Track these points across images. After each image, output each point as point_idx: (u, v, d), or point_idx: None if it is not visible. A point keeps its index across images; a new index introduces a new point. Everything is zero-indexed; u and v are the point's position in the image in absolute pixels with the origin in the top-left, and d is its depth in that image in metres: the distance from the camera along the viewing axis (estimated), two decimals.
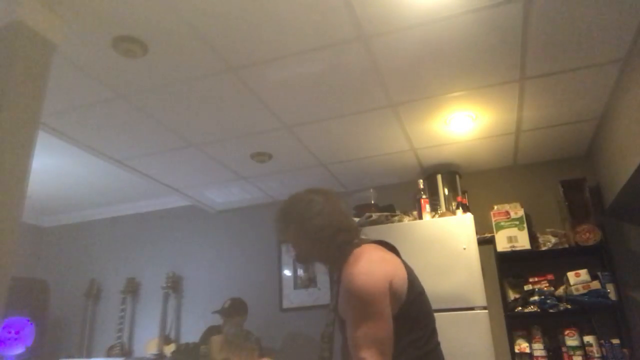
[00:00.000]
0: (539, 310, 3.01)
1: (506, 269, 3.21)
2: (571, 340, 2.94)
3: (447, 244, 2.91)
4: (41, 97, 1.80)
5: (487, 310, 2.75)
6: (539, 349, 2.98)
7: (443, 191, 3.41)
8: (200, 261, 4.30)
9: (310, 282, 3.94)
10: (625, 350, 2.81)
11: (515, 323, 3.11)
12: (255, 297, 3.99)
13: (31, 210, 4.59)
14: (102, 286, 4.51)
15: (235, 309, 3.41)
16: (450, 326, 2.69)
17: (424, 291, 1.45)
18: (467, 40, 2.13)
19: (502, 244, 3.18)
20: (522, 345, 3.02)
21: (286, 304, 3.94)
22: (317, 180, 3.81)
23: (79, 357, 4.18)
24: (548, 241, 3.15)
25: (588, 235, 3.00)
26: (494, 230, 3.23)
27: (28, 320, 3.72)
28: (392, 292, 1.32)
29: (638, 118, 2.29)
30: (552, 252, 3.14)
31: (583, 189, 3.13)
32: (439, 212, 3.26)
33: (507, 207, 3.31)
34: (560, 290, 3.03)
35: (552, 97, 2.66)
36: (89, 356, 4.20)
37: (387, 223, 3.17)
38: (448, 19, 1.99)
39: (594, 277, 2.96)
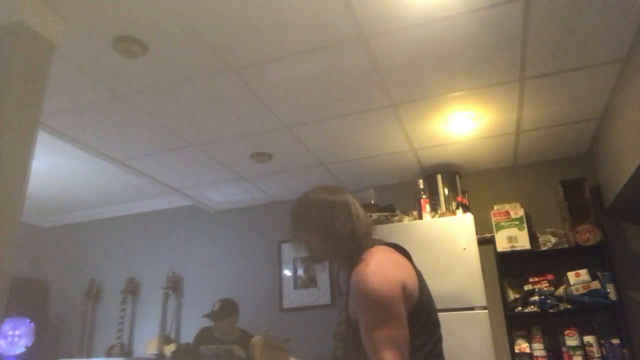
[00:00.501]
0: (539, 310, 3.01)
1: (506, 269, 3.21)
2: (571, 340, 2.94)
3: (447, 244, 2.91)
4: (41, 97, 1.80)
5: (487, 310, 2.75)
6: (539, 349, 2.98)
7: (443, 191, 3.41)
8: (200, 261, 4.30)
9: (310, 282, 3.94)
10: (625, 350, 2.81)
11: (515, 323, 3.11)
12: (255, 297, 3.99)
13: (31, 210, 4.59)
14: (102, 286, 4.51)
15: (226, 310, 3.36)
16: (450, 326, 2.69)
17: (432, 297, 1.44)
18: (467, 40, 2.13)
19: (502, 244, 3.18)
20: (522, 345, 3.02)
21: (286, 304, 3.94)
22: (317, 180, 3.81)
23: (79, 357, 4.18)
24: (548, 241, 3.15)
25: (588, 235, 3.00)
26: (494, 230, 3.23)
27: (28, 320, 3.72)
28: (405, 295, 1.30)
29: (638, 118, 2.29)
30: (552, 252, 3.14)
31: (583, 189, 3.13)
32: (439, 212, 3.26)
33: (507, 207, 3.31)
34: (560, 290, 3.03)
35: (552, 97, 2.66)
36: (89, 356, 4.20)
37: (387, 223, 3.17)
38: (448, 19, 1.99)
39: (594, 277, 2.96)
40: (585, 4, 1.92)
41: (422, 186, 3.32)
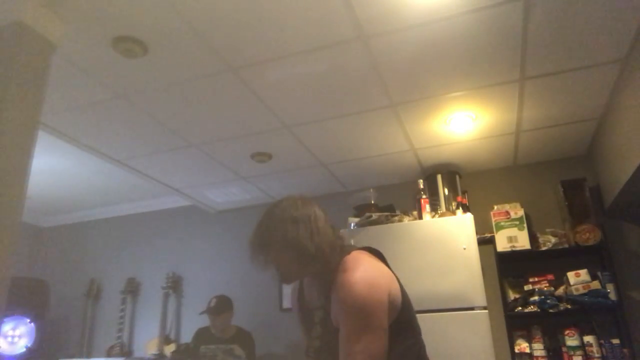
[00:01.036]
0: (539, 310, 3.01)
1: (506, 269, 3.21)
2: (571, 340, 2.94)
3: (447, 244, 2.91)
4: (41, 97, 1.81)
5: (487, 310, 2.75)
6: (539, 349, 2.98)
7: (443, 191, 3.41)
8: (200, 261, 4.30)
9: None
10: (625, 350, 2.81)
11: (515, 323, 3.11)
12: (255, 297, 3.99)
13: (31, 210, 4.59)
14: (102, 286, 4.51)
15: (222, 305, 3.41)
16: (450, 326, 2.70)
17: (411, 302, 1.44)
18: (467, 40, 2.13)
19: (502, 244, 3.18)
20: (522, 345, 3.02)
21: (286, 304, 3.94)
22: (317, 180, 3.81)
23: (79, 357, 4.18)
24: (548, 241, 3.15)
25: (588, 235, 3.00)
26: (494, 230, 3.23)
27: (28, 320, 3.72)
28: (390, 302, 1.30)
29: (638, 118, 2.29)
30: (552, 252, 3.14)
31: (583, 189, 3.13)
32: (439, 212, 3.26)
33: (507, 207, 3.31)
34: (560, 290, 3.03)
35: (552, 97, 2.66)
36: (89, 356, 4.20)
37: (387, 223, 3.17)
38: (448, 19, 1.99)
39: (594, 277, 2.96)
40: (585, 4, 1.92)
41: (422, 186, 3.32)
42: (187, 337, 3.87)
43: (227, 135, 3.00)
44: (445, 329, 2.70)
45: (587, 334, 2.93)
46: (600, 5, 1.92)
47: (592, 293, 2.90)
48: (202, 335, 3.46)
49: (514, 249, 3.14)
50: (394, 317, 1.32)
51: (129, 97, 2.52)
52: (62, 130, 2.83)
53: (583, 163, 3.43)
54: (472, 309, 2.75)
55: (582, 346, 2.91)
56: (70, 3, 1.82)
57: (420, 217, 3.20)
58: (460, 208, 3.20)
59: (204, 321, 3.58)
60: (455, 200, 3.33)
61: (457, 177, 3.51)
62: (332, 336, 1.32)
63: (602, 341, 2.88)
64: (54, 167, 3.62)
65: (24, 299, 3.74)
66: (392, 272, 1.42)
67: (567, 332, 2.97)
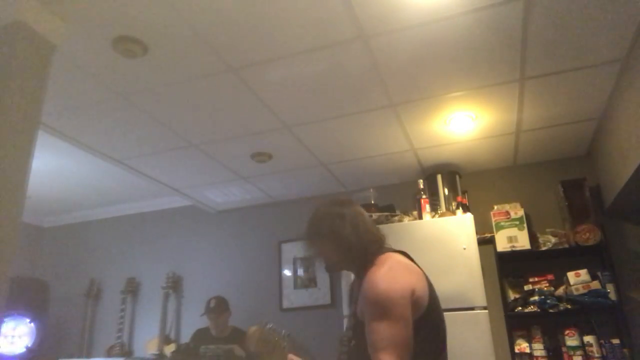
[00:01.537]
0: (539, 310, 3.01)
1: (506, 269, 3.21)
2: (571, 340, 2.94)
3: (447, 244, 2.91)
4: (41, 97, 1.81)
5: (487, 310, 2.75)
6: (539, 349, 2.98)
7: (443, 191, 3.41)
8: (200, 261, 4.30)
9: (310, 282, 3.94)
10: (625, 350, 2.81)
11: (515, 323, 3.11)
12: (255, 297, 3.99)
13: (31, 210, 4.58)
14: (102, 286, 4.51)
15: (222, 306, 3.49)
16: (450, 326, 2.67)
17: (441, 307, 1.48)
18: (467, 40, 2.13)
19: (502, 244, 3.18)
20: (522, 345, 3.02)
21: (286, 304, 3.94)
22: (317, 180, 3.81)
23: (79, 357, 4.18)
24: (548, 241, 3.15)
25: (588, 235, 3.00)
26: (494, 230, 3.23)
27: (28, 320, 3.72)
28: (414, 300, 1.34)
29: (638, 118, 2.29)
30: (552, 252, 3.14)
31: (583, 189, 3.13)
32: (439, 212, 3.26)
33: (507, 207, 3.31)
34: (560, 290, 3.03)
35: (552, 97, 2.66)
36: (89, 356, 4.20)
37: (387, 223, 3.17)
38: (448, 19, 1.99)
39: (594, 277, 2.96)
40: (586, 4, 1.92)
41: (422, 186, 3.32)
42: (187, 337, 3.87)
43: (227, 135, 3.00)
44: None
45: (587, 334, 2.93)
46: (600, 5, 1.92)
47: (592, 293, 2.90)
48: (200, 336, 3.48)
49: (514, 249, 3.14)
50: (418, 315, 1.35)
51: (129, 97, 2.51)
52: (62, 130, 2.83)
53: (583, 163, 3.43)
54: (472, 309, 2.75)
55: (582, 346, 2.91)
56: (70, 3, 1.82)
57: (420, 217, 3.20)
58: (460, 208, 3.20)
59: (205, 322, 3.59)
60: (455, 200, 3.33)
61: (457, 177, 3.51)
62: (359, 328, 1.39)
63: (602, 341, 2.88)
64: (54, 167, 3.62)
65: (24, 299, 3.74)
66: (427, 277, 1.48)
67: (567, 332, 2.97)
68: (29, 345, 3.65)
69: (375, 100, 2.63)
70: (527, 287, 3.12)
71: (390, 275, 1.36)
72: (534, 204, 3.42)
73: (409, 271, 1.42)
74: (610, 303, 2.89)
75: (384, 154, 3.38)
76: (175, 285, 4.21)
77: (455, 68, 2.35)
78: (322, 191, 4.05)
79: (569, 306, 2.96)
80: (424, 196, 3.27)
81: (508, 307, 3.10)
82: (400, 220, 3.21)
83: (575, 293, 2.93)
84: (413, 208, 3.35)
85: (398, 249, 1.53)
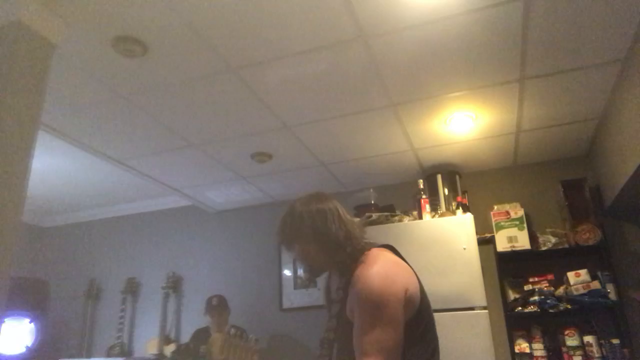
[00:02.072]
0: (539, 310, 3.01)
1: (506, 269, 3.21)
2: (571, 340, 2.94)
3: (447, 244, 2.91)
4: (41, 97, 1.80)
5: (487, 310, 2.75)
6: (539, 349, 2.98)
7: (443, 191, 3.40)
8: (200, 261, 4.30)
9: (310, 282, 3.94)
10: (625, 350, 2.81)
11: (515, 323, 3.11)
12: (255, 297, 3.99)
13: (31, 210, 4.59)
14: (102, 286, 4.51)
15: (225, 304, 3.53)
16: (450, 326, 2.69)
17: (430, 306, 1.41)
18: (467, 40, 2.13)
19: (502, 244, 3.18)
20: (522, 345, 3.02)
21: (286, 304, 3.94)
22: (317, 180, 3.81)
23: (79, 357, 4.18)
24: (548, 241, 3.15)
25: (588, 235, 3.00)
26: (494, 230, 3.23)
27: (28, 320, 3.72)
28: (407, 299, 1.28)
29: (638, 118, 2.29)
30: (552, 252, 3.14)
31: (583, 189, 3.12)
32: (439, 212, 3.25)
33: (507, 207, 3.31)
34: (560, 290, 3.03)
35: (552, 97, 2.66)
36: (89, 356, 4.20)
37: (387, 223, 3.17)
38: (448, 19, 1.99)
39: (594, 277, 2.96)
40: (586, 4, 1.92)
41: (422, 186, 3.32)
42: (187, 337, 3.87)
43: (227, 135, 3.00)
44: (445, 329, 2.68)
45: (587, 334, 2.93)
46: (600, 5, 1.92)
47: (592, 293, 2.90)
48: (200, 336, 3.48)
49: (514, 249, 3.14)
50: (410, 315, 1.30)
51: (129, 97, 2.52)
52: (62, 130, 2.83)
53: (583, 163, 3.43)
54: (472, 309, 2.75)
55: (582, 346, 2.91)
56: (70, 3, 1.82)
57: (420, 217, 3.20)
58: (460, 208, 3.20)
59: (204, 322, 3.59)
60: (455, 200, 3.33)
61: (457, 177, 3.51)
62: (345, 330, 1.31)
63: (602, 341, 2.88)
64: (54, 167, 3.62)
65: (24, 299, 3.74)
66: (414, 271, 1.40)
67: (567, 332, 2.97)
68: (29, 345, 3.65)
69: (375, 100, 2.63)
70: (527, 287, 3.12)
71: (383, 274, 1.28)
72: (534, 204, 3.42)
73: (401, 269, 1.35)
74: (610, 303, 2.89)
75: (384, 154, 3.38)
76: (175, 285, 4.21)
77: (455, 68, 2.35)
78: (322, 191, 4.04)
79: (569, 306, 2.96)
80: (424, 196, 3.26)
81: (508, 307, 3.10)
82: (400, 220, 3.21)
83: (575, 293, 2.93)
84: (413, 208, 3.35)
85: (378, 243, 1.45)
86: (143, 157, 3.28)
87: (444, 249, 2.90)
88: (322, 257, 1.41)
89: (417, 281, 1.37)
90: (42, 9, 1.80)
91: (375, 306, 1.23)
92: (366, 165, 3.57)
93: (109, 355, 4.06)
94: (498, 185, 3.61)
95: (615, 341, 2.84)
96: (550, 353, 2.99)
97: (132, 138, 2.99)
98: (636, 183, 2.50)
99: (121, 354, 4.04)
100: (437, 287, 2.74)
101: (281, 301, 3.95)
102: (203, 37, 2.04)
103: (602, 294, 2.89)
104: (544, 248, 3.14)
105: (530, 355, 2.99)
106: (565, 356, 2.94)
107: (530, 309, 3.04)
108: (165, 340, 3.96)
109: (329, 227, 1.37)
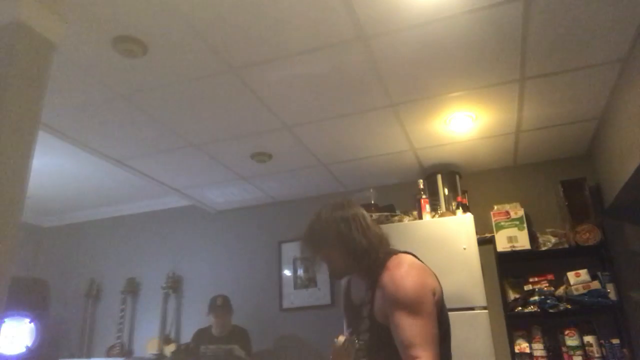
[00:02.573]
0: (539, 310, 3.01)
1: (506, 269, 3.21)
2: (571, 340, 2.94)
3: (447, 244, 2.91)
4: (41, 97, 1.80)
5: (487, 310, 2.75)
6: (539, 349, 2.98)
7: (443, 191, 3.41)
8: (200, 261, 4.30)
9: (310, 282, 3.94)
10: (625, 350, 2.81)
11: (515, 323, 3.11)
12: (255, 297, 3.99)
13: (31, 210, 4.58)
14: (102, 286, 4.51)
15: (228, 305, 3.52)
16: (450, 326, 2.69)
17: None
18: (467, 40, 2.13)
19: (502, 244, 3.18)
20: (522, 345, 3.02)
21: (286, 304, 3.94)
22: (317, 180, 3.81)
23: (79, 357, 4.18)
24: (548, 241, 3.15)
25: (588, 235, 3.00)
26: (494, 230, 3.23)
27: (28, 320, 3.72)
28: (435, 301, 1.37)
29: (638, 118, 2.29)
30: (552, 252, 3.14)
31: (583, 189, 3.12)
32: (439, 212, 3.25)
33: (507, 207, 3.31)
34: (560, 290, 3.03)
35: (552, 97, 2.66)
36: (89, 356, 4.20)
37: (387, 223, 3.16)
38: (448, 19, 1.99)
39: (594, 277, 2.96)
40: (586, 4, 1.92)
41: (422, 186, 3.32)
42: (187, 337, 3.87)
43: (227, 135, 3.00)
44: None
45: (587, 334, 2.93)
46: (601, 5, 1.92)
47: (592, 293, 2.90)
48: (201, 336, 3.48)
49: (514, 249, 3.14)
50: (436, 315, 1.37)
51: (129, 97, 2.51)
52: (62, 130, 2.83)
53: (583, 163, 3.43)
54: (472, 309, 2.75)
55: (582, 346, 2.91)
56: (70, 3, 1.82)
57: (420, 217, 3.20)
58: (460, 208, 3.20)
59: (205, 321, 3.59)
60: (455, 200, 3.33)
61: (457, 177, 3.51)
62: (378, 330, 1.39)
63: (602, 341, 2.88)
64: (54, 167, 3.62)
65: (24, 299, 3.74)
66: (436, 276, 1.48)
67: (567, 332, 2.97)
68: (29, 345, 3.65)
69: (375, 100, 2.63)
70: (527, 287, 3.12)
71: (414, 274, 1.37)
72: (534, 204, 3.42)
73: (427, 272, 1.43)
74: (610, 303, 2.89)
75: (384, 154, 3.38)
76: (175, 285, 4.21)
77: (456, 68, 2.35)
78: (322, 191, 4.05)
79: (569, 306, 2.96)
80: (424, 196, 3.26)
81: (508, 307, 3.10)
82: (400, 220, 3.21)
83: (575, 293, 2.93)
84: (413, 208, 3.35)
85: (401, 249, 1.53)
86: (143, 157, 3.28)
87: (444, 249, 2.90)
88: (346, 261, 1.47)
89: (440, 285, 1.45)
90: (42, 9, 1.80)
91: (414, 303, 1.32)
92: (366, 165, 3.57)
93: (108, 355, 4.06)
94: (498, 185, 3.61)
95: (615, 341, 2.84)
96: (550, 353, 2.99)
97: (132, 138, 2.99)
98: (636, 183, 2.50)
99: (121, 354, 4.04)
100: None
101: (281, 301, 3.95)
102: (203, 37, 2.04)
103: (602, 294, 2.89)
104: (544, 248, 3.14)
105: (530, 355, 2.99)
106: (565, 356, 2.94)
107: (530, 309, 3.04)
108: (165, 340, 3.96)
109: (353, 234, 1.44)
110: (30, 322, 3.71)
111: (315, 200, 4.13)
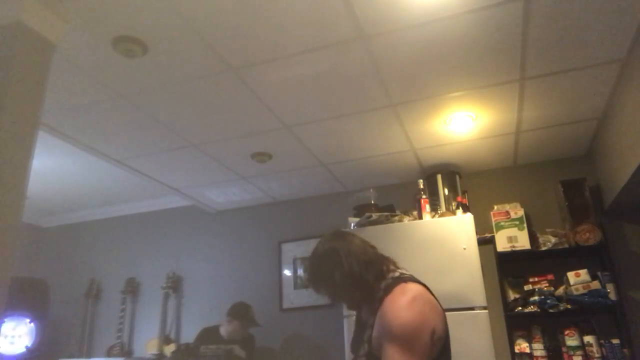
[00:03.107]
0: (539, 310, 3.01)
1: (506, 269, 3.21)
2: (571, 340, 2.94)
3: (447, 244, 2.91)
4: (41, 97, 1.80)
5: (487, 310, 2.74)
6: (539, 349, 2.98)
7: (443, 191, 3.40)
8: (200, 261, 4.30)
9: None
10: (625, 350, 2.81)
11: (515, 323, 3.11)
12: (255, 297, 3.98)
13: (31, 210, 4.58)
14: (102, 286, 4.51)
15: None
16: (450, 326, 2.69)
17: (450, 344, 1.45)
18: (467, 40, 2.13)
19: (502, 244, 3.18)
20: (522, 345, 3.02)
21: (286, 304, 3.94)
22: (317, 180, 3.81)
23: (79, 357, 4.18)
24: (548, 241, 3.15)
25: (588, 235, 3.00)
26: (494, 230, 3.23)
27: (28, 320, 3.72)
28: (433, 342, 1.32)
29: (638, 118, 2.29)
30: (552, 252, 3.14)
31: (583, 189, 3.12)
32: (439, 212, 3.25)
33: (507, 207, 3.31)
34: (560, 290, 3.03)
35: (552, 97, 2.66)
36: (89, 356, 4.20)
37: (387, 223, 3.16)
38: (448, 19, 1.99)
39: (594, 277, 2.96)
40: (585, 4, 1.92)
41: (422, 186, 3.32)
42: (187, 337, 3.88)
43: (227, 135, 3.00)
44: None
45: (587, 334, 2.93)
46: (600, 5, 1.92)
47: (592, 293, 2.90)
48: (207, 335, 3.45)
49: (514, 249, 3.14)
50: (435, 354, 1.34)
51: (129, 97, 2.52)
52: (62, 130, 2.83)
53: (583, 163, 3.43)
54: (472, 309, 2.75)
55: (582, 346, 2.91)
56: (70, 3, 1.82)
57: (420, 217, 3.20)
58: (460, 208, 3.20)
59: (205, 321, 3.59)
60: (455, 200, 3.33)
61: (457, 177, 3.51)
62: (374, 358, 1.36)
63: (602, 341, 2.88)
64: (54, 167, 3.62)
65: (24, 299, 3.74)
66: (442, 307, 1.44)
67: (567, 332, 2.97)
68: (29, 345, 3.65)
69: (375, 100, 2.63)
70: (527, 287, 3.12)
71: (416, 307, 1.33)
72: (534, 204, 3.42)
73: (432, 308, 1.38)
74: (610, 303, 2.89)
75: (384, 154, 3.38)
76: (175, 285, 4.21)
77: (455, 68, 2.35)
78: (322, 191, 4.05)
79: (568, 306, 2.96)
80: (424, 196, 3.26)
81: (508, 307, 3.10)
82: (400, 220, 3.21)
83: (575, 293, 2.93)
84: (413, 208, 3.35)
85: (411, 276, 1.48)
86: (143, 157, 3.28)
87: (444, 249, 2.90)
88: (346, 291, 1.47)
89: (444, 319, 1.41)
90: (42, 9, 1.80)
91: (408, 338, 1.28)
92: (366, 165, 3.57)
93: (108, 355, 4.06)
94: (498, 185, 3.61)
95: (615, 341, 2.84)
96: (550, 353, 2.99)
97: (132, 138, 2.99)
98: (636, 183, 2.50)
99: (121, 354, 4.04)
100: (437, 287, 2.71)
101: (281, 301, 3.95)
102: (203, 37, 2.04)
103: (602, 294, 2.89)
104: (544, 248, 3.13)
105: (530, 355, 2.99)
106: (565, 356, 2.94)
107: (530, 309, 3.04)
108: (165, 340, 3.96)
109: (345, 265, 1.43)
110: (30, 322, 3.71)
111: (315, 200, 4.13)
